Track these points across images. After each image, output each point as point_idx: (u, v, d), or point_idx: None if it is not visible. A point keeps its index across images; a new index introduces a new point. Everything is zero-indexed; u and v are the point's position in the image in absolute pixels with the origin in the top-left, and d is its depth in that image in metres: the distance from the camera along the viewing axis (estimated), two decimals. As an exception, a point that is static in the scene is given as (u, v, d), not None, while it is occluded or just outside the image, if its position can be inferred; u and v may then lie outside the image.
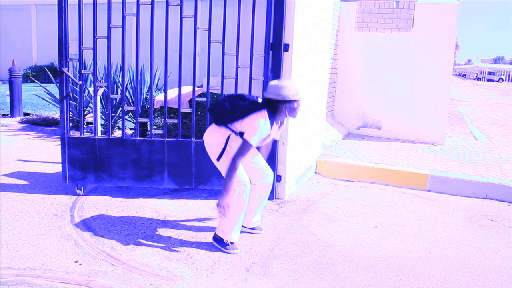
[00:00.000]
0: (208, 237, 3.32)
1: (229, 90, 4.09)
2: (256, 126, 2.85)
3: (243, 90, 3.95)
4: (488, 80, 53.63)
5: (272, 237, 3.37)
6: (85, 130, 5.05)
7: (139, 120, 4.21)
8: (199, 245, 3.19)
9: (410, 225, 3.75)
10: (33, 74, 17.33)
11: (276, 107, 2.90)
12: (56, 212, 3.71)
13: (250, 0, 3.93)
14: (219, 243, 3.14)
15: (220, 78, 4.04)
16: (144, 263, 2.88)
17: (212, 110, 3.13)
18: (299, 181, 4.67)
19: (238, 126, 2.97)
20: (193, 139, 4.03)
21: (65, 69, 3.90)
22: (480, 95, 22.91)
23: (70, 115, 6.75)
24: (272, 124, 2.95)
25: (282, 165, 4.14)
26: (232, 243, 3.11)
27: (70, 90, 4.25)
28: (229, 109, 2.99)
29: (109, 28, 3.93)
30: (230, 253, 3.07)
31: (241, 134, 2.93)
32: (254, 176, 3.23)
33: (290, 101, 2.87)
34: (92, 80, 5.13)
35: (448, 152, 6.11)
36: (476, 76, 60.17)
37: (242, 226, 3.32)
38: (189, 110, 4.14)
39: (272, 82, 2.97)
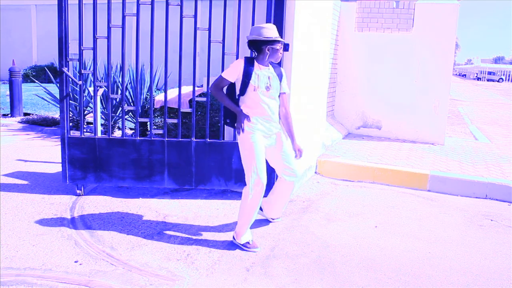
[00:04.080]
0: (208, 237, 3.32)
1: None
2: (231, 65, 3.05)
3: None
4: (488, 80, 53.61)
5: (272, 237, 3.37)
6: (85, 130, 5.05)
7: (139, 120, 4.21)
8: (199, 245, 3.19)
9: (410, 225, 3.75)
10: (33, 74, 17.31)
11: (259, 49, 3.03)
12: (56, 212, 3.71)
13: (250, 0, 3.93)
14: (237, 242, 3.17)
15: (220, 78, 4.03)
16: (144, 263, 2.88)
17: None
18: (299, 181, 4.67)
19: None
20: (193, 139, 4.03)
21: (65, 69, 3.90)
22: (480, 95, 22.92)
23: (70, 115, 6.75)
24: (253, 68, 3.01)
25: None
26: (249, 242, 3.14)
27: (70, 90, 4.25)
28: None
29: (109, 28, 3.93)
30: (251, 251, 3.10)
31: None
32: (286, 172, 3.30)
33: (273, 42, 3.00)
34: (92, 80, 5.13)
35: (448, 152, 6.11)
36: (476, 76, 60.16)
37: (263, 220, 3.60)
38: (189, 110, 4.14)
39: (255, 25, 3.09)
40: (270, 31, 3.00)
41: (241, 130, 3.07)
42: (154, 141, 4.04)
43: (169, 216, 3.71)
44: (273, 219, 3.65)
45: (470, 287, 2.79)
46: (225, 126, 4.25)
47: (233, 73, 3.04)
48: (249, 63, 3.03)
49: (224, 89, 3.18)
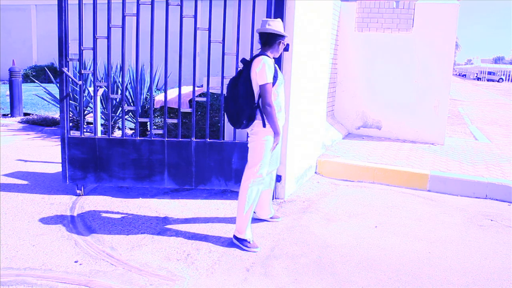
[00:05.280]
0: (208, 237, 3.32)
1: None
2: (262, 64, 2.93)
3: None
4: (488, 80, 53.65)
5: (272, 237, 3.37)
6: (85, 130, 5.05)
7: (139, 120, 4.21)
8: (199, 245, 3.19)
9: (410, 225, 3.75)
10: (33, 74, 17.33)
11: (272, 43, 3.06)
12: (56, 212, 3.71)
13: (250, 0, 3.93)
14: (240, 241, 3.17)
15: (220, 78, 4.04)
16: (144, 263, 2.88)
17: (230, 117, 3.12)
18: (299, 181, 4.67)
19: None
20: (193, 139, 4.03)
21: (65, 69, 3.90)
22: (480, 95, 22.92)
23: (70, 115, 6.76)
24: (275, 64, 3.04)
25: (282, 165, 4.14)
26: (249, 241, 3.15)
27: (70, 90, 4.25)
28: (236, 106, 3.04)
29: (109, 28, 3.93)
30: (251, 251, 3.10)
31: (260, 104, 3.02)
32: (270, 164, 3.33)
33: (283, 37, 3.08)
34: (92, 80, 5.13)
35: (448, 152, 6.11)
36: (476, 76, 60.19)
37: (263, 220, 3.63)
38: (189, 110, 4.14)
39: (264, 19, 3.11)
40: (281, 25, 3.07)
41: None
42: (154, 141, 4.04)
43: (169, 216, 3.71)
44: (272, 218, 3.65)
45: (470, 287, 2.79)
46: (225, 126, 4.25)
47: (272, 74, 2.98)
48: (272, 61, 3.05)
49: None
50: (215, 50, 3.95)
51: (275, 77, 3.00)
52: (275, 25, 3.04)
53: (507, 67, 60.81)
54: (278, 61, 3.84)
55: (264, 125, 3.03)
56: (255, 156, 3.11)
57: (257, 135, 3.08)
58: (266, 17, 3.83)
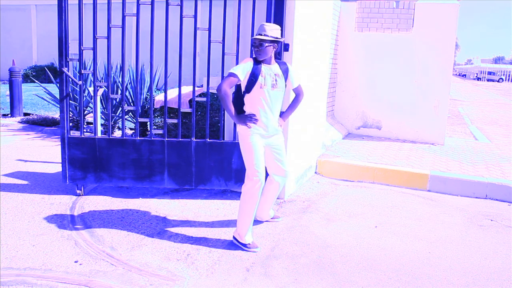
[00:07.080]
0: (208, 237, 3.32)
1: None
2: (240, 63, 3.06)
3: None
4: (488, 80, 53.68)
5: (272, 237, 3.37)
6: (85, 130, 5.05)
7: (139, 120, 4.21)
8: (199, 245, 3.19)
9: (410, 225, 3.75)
10: (33, 74, 17.32)
11: (264, 47, 3.03)
12: (56, 212, 3.71)
13: (250, 0, 3.93)
14: (240, 242, 3.17)
15: (220, 78, 4.04)
16: (144, 263, 2.88)
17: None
18: (299, 181, 4.67)
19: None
20: (193, 139, 4.03)
21: (65, 69, 3.90)
22: (480, 95, 22.92)
23: (70, 115, 6.76)
24: (260, 65, 3.05)
25: (282, 165, 4.14)
26: (250, 242, 3.16)
27: (70, 90, 4.25)
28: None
29: (109, 28, 3.93)
30: (251, 251, 3.11)
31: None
32: (276, 171, 3.36)
33: (277, 42, 3.07)
34: (92, 80, 5.13)
35: (448, 152, 6.11)
36: (476, 76, 60.23)
37: (263, 221, 3.61)
38: (189, 110, 4.14)
39: (262, 23, 3.11)
40: (276, 30, 3.07)
41: (246, 124, 3.09)
42: (154, 141, 4.04)
43: (169, 216, 3.71)
44: (272, 218, 3.65)
45: (470, 287, 2.79)
46: (225, 126, 4.25)
47: (244, 70, 3.01)
48: (256, 62, 3.06)
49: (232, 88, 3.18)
50: (215, 50, 3.95)
51: (251, 77, 3.01)
52: (263, 29, 3.03)
53: (507, 67, 60.83)
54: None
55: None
56: (247, 159, 3.14)
57: (241, 137, 3.15)
58: (266, 17, 3.82)
